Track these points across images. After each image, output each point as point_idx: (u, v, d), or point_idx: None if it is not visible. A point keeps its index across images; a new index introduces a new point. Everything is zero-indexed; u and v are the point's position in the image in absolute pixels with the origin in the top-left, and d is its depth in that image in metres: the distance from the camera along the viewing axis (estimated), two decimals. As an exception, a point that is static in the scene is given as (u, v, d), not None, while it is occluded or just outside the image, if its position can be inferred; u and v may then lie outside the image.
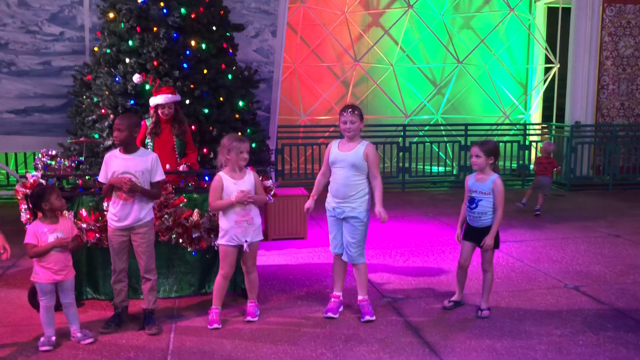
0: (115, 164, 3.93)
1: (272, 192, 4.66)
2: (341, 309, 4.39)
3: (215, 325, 4.05)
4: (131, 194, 3.90)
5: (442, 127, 11.25)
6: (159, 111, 5.12)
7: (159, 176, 4.02)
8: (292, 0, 9.69)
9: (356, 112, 4.17)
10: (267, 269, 5.47)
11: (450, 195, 9.70)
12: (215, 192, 4.05)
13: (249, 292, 4.28)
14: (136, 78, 5.57)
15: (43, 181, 4.25)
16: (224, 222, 4.10)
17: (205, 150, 6.04)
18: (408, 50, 11.63)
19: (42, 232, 3.65)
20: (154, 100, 5.15)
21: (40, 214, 3.72)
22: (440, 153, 11.03)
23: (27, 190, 4.21)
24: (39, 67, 7.75)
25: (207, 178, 4.94)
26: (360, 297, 4.32)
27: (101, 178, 4.00)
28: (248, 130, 6.58)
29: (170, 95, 5.11)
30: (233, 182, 4.05)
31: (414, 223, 7.54)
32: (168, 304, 4.51)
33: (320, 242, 6.52)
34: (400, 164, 10.21)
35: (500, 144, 9.30)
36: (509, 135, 11.29)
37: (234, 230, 4.06)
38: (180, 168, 4.82)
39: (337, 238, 4.28)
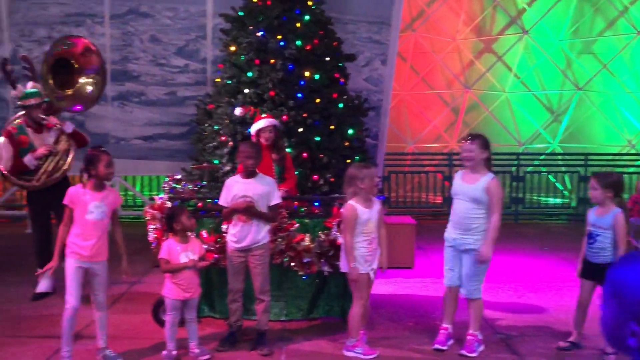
0: (236, 188, 4.14)
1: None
2: (451, 342, 4.27)
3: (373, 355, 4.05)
4: (250, 216, 4.06)
5: (559, 157, 10.71)
6: (261, 137, 5.27)
7: (276, 200, 4.17)
8: (402, 29, 9.76)
9: (476, 141, 4.08)
10: (373, 297, 5.40)
11: (568, 229, 9.15)
12: (350, 221, 3.99)
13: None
14: (238, 111, 5.84)
15: (169, 203, 4.57)
16: (355, 249, 4.02)
17: (315, 177, 6.19)
18: (523, 77, 11.25)
19: (175, 250, 3.91)
20: (255, 126, 5.31)
21: (171, 234, 3.98)
22: (557, 184, 10.48)
23: (155, 211, 4.55)
24: (165, 97, 8.38)
25: (316, 204, 5.06)
26: (470, 331, 4.19)
27: (222, 201, 4.21)
28: (356, 157, 6.67)
29: (270, 120, 5.28)
30: (367, 211, 4.01)
31: (528, 257, 7.19)
32: (278, 326, 4.62)
33: (428, 272, 6.40)
34: (514, 194, 9.81)
35: (625, 175, 8.67)
36: (634, 166, 10.50)
37: (365, 257, 4.03)
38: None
39: (453, 270, 4.19)
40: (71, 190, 3.87)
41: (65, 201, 3.82)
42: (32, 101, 5.15)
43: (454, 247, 4.16)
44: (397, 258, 6.52)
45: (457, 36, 11.11)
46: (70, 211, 3.82)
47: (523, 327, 4.72)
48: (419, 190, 9.95)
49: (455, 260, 4.17)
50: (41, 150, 5.18)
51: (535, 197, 10.35)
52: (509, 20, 11.15)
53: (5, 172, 5.26)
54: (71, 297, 3.80)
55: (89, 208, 3.79)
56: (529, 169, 10.13)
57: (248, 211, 4.05)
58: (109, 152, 3.97)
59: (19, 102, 5.37)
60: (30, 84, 5.30)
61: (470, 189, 4.05)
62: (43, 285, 5.40)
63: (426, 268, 6.58)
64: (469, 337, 4.16)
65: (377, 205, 4.12)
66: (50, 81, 5.22)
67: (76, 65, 5.32)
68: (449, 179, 9.36)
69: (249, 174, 4.17)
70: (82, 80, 5.37)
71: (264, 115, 5.46)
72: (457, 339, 4.33)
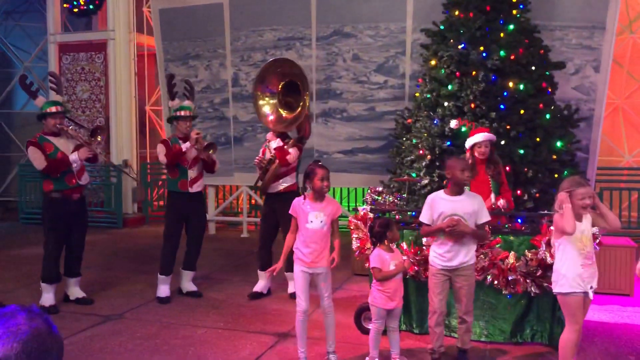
0: (442, 206, 4.02)
1: (598, 241, 4.28)
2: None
3: None
4: (460, 235, 3.94)
5: None
6: (476, 151, 5.20)
7: (485, 217, 4.02)
8: (619, 31, 8.87)
9: None
10: (585, 323, 5.00)
11: None
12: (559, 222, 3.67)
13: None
14: (453, 123, 5.80)
15: (372, 214, 4.73)
16: (566, 266, 3.69)
17: (519, 192, 5.90)
18: None
19: (385, 259, 4.03)
20: (470, 141, 5.25)
21: (379, 244, 4.10)
22: None
23: (359, 221, 4.75)
24: (364, 113, 8.69)
25: (520, 221, 4.82)
26: None
27: (424, 219, 4.10)
28: (565, 172, 6.20)
29: (487, 134, 5.17)
30: (579, 226, 3.68)
31: None
32: (478, 346, 4.49)
33: (651, 301, 5.70)
34: None
35: None
36: None
37: (582, 275, 3.63)
38: (499, 203, 4.79)
39: None
40: (294, 202, 4.18)
41: (290, 211, 4.16)
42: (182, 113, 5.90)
43: None
44: (614, 283, 5.94)
45: (687, 35, 9.76)
46: (295, 220, 4.14)
47: None
48: (637, 209, 8.90)
49: None
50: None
51: None
52: None
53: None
54: (300, 300, 4.11)
55: (308, 217, 4.08)
56: None
57: (459, 232, 3.90)
58: (325, 167, 4.20)
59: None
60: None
61: None
62: (260, 286, 5.95)
63: (648, 297, 5.87)
64: None
65: (587, 221, 3.75)
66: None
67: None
68: (676, 197, 8.24)
69: (459, 190, 4.02)
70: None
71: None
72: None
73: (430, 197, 4.15)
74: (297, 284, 4.12)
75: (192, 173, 5.83)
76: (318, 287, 4.14)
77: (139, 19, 11.23)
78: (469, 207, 3.97)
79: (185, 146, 5.72)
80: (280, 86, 5.99)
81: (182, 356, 4.37)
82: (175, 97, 6.01)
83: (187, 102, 6.01)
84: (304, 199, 4.15)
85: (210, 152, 5.78)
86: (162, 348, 4.52)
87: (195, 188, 5.87)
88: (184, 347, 4.53)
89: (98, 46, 10.97)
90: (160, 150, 5.82)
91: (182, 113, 5.88)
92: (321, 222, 4.06)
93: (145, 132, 11.52)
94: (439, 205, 4.02)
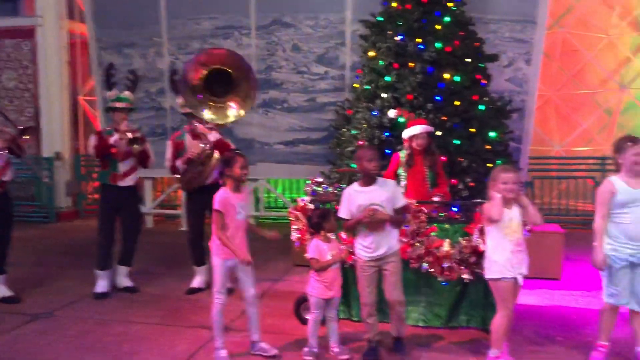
0: (358, 198, 3.97)
1: (528, 227, 4.43)
2: (607, 361, 3.96)
3: None
4: (382, 223, 3.95)
5: None
6: (413, 142, 5.27)
7: (402, 201, 4.05)
8: (549, 26, 9.20)
9: None
10: (516, 307, 5.19)
11: None
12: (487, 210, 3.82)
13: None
14: (392, 113, 5.87)
15: (311, 205, 4.72)
16: (497, 253, 3.81)
17: (454, 181, 6.04)
18: (690, 73, 10.09)
19: (322, 250, 4.03)
20: (408, 132, 5.32)
21: (316, 234, 4.10)
22: None
23: (299, 212, 4.72)
24: (305, 104, 8.69)
25: (455, 209, 4.93)
26: None
27: (343, 214, 4.06)
28: (498, 161, 6.40)
29: (425, 126, 5.24)
30: (508, 213, 3.79)
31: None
32: (416, 332, 4.57)
33: (577, 284, 5.97)
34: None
35: None
36: None
37: (511, 260, 3.75)
38: (435, 199, 4.90)
39: (627, 289, 3.86)
40: (222, 195, 4.04)
41: (219, 207, 4.00)
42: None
43: (628, 264, 3.82)
44: (543, 268, 6.16)
45: (611, 31, 10.24)
46: (221, 214, 4.01)
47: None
48: (566, 197, 9.31)
49: (629, 277, 3.83)
50: (185, 156, 5.61)
51: None
52: (674, 11, 10.06)
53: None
54: (221, 293, 4.08)
55: (237, 208, 4.03)
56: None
57: (378, 220, 3.90)
58: (244, 155, 4.14)
59: (180, 110, 5.90)
60: (127, 92, 5.78)
61: None
62: (197, 281, 5.85)
63: (574, 280, 6.15)
64: None
65: (516, 207, 3.87)
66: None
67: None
68: (601, 185, 8.65)
69: (371, 180, 4.00)
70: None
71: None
72: (614, 357, 4.00)
73: (345, 191, 4.14)
74: (220, 277, 4.07)
75: (123, 166, 5.66)
76: (240, 278, 4.13)
77: (70, 5, 10.75)
78: (384, 194, 3.96)
79: (112, 139, 5.57)
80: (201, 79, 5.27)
81: (116, 353, 4.24)
82: (113, 88, 5.79)
83: (125, 93, 5.81)
84: (227, 190, 4.07)
85: (135, 146, 5.62)
86: (94, 346, 4.37)
87: (127, 182, 5.71)
88: (118, 344, 4.39)
89: (25, 33, 10.41)
90: (91, 141, 5.67)
91: (118, 104, 5.70)
92: (245, 212, 4.09)
93: (79, 123, 11.08)
94: (355, 198, 3.99)
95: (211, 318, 4.13)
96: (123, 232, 5.85)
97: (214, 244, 4.08)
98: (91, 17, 9.33)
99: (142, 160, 5.75)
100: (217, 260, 4.06)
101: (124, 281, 5.85)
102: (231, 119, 5.33)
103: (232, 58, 5.35)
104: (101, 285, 5.64)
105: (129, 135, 5.61)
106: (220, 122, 5.43)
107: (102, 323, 4.86)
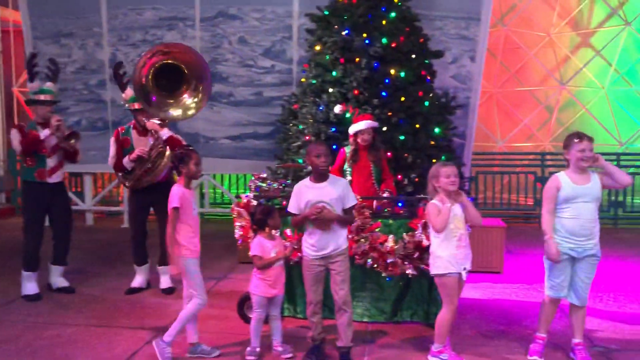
0: (308, 194, 3.89)
1: (469, 223, 4.48)
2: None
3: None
4: (328, 222, 3.87)
5: (667, 157, 9.89)
6: (359, 138, 5.25)
7: (352, 201, 3.97)
8: (492, 24, 9.38)
9: (591, 141, 3.91)
10: (459, 301, 5.26)
11: (675, 235, 8.44)
12: (432, 216, 3.85)
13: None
14: (337, 108, 5.82)
15: (255, 201, 4.62)
16: (441, 249, 3.84)
17: (399, 176, 6.06)
18: (624, 72, 10.51)
19: (266, 247, 3.96)
20: (354, 128, 5.29)
21: (260, 232, 4.02)
22: (663, 186, 9.69)
23: (242, 209, 4.62)
24: (252, 98, 8.54)
25: (400, 204, 4.94)
26: (577, 341, 4.02)
27: (292, 209, 3.97)
28: (442, 157, 6.46)
29: (370, 122, 5.23)
30: (450, 209, 3.81)
31: (629, 264, 6.70)
32: (360, 327, 4.55)
33: (518, 277, 6.11)
34: (613, 198, 9.19)
35: None
36: None
37: (456, 256, 3.81)
38: (384, 195, 4.89)
39: (566, 281, 3.95)
40: (178, 192, 3.91)
41: (176, 203, 3.88)
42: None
43: (569, 257, 3.90)
44: (486, 262, 6.29)
45: (552, 30, 10.55)
46: (176, 211, 3.89)
47: (623, 340, 4.37)
48: (508, 191, 9.54)
49: (568, 270, 3.92)
50: (135, 153, 5.39)
51: (637, 201, 9.62)
52: (609, 12, 10.44)
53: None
54: (203, 292, 4.02)
55: (192, 205, 3.99)
56: (631, 170, 9.43)
57: (325, 218, 3.83)
58: (197, 151, 4.08)
59: (125, 105, 5.64)
60: (49, 84, 5.51)
61: (593, 188, 3.86)
62: (137, 281, 5.65)
63: (516, 273, 6.29)
64: (579, 347, 3.99)
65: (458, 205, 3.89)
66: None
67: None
68: (542, 180, 8.91)
69: (321, 176, 3.92)
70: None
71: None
72: (552, 349, 4.10)
73: (296, 186, 4.05)
74: (196, 276, 3.98)
75: (50, 162, 5.39)
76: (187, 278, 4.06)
77: (3, -9, 10.22)
78: (334, 192, 3.88)
79: (44, 133, 5.28)
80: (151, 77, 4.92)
81: (47, 358, 4.02)
82: (35, 79, 5.48)
83: (48, 85, 5.51)
84: (181, 186, 3.97)
85: (72, 141, 5.38)
86: (23, 351, 4.13)
87: (55, 178, 5.44)
88: (50, 348, 4.18)
89: (-48, 19, 9.85)
90: (14, 136, 5.32)
91: (42, 97, 5.39)
92: (197, 209, 4.05)
93: (13, 115, 10.56)
94: (305, 194, 3.90)
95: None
96: (55, 231, 5.57)
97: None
98: (25, 4, 8.87)
99: (70, 155, 5.50)
100: (190, 261, 3.98)
101: (59, 281, 5.58)
102: (193, 112, 5.08)
103: (185, 54, 5.03)
104: (29, 288, 5.35)
105: (65, 131, 5.34)
106: (183, 118, 5.25)
107: (34, 326, 4.62)
